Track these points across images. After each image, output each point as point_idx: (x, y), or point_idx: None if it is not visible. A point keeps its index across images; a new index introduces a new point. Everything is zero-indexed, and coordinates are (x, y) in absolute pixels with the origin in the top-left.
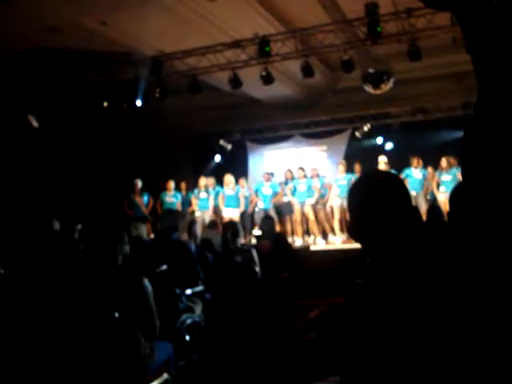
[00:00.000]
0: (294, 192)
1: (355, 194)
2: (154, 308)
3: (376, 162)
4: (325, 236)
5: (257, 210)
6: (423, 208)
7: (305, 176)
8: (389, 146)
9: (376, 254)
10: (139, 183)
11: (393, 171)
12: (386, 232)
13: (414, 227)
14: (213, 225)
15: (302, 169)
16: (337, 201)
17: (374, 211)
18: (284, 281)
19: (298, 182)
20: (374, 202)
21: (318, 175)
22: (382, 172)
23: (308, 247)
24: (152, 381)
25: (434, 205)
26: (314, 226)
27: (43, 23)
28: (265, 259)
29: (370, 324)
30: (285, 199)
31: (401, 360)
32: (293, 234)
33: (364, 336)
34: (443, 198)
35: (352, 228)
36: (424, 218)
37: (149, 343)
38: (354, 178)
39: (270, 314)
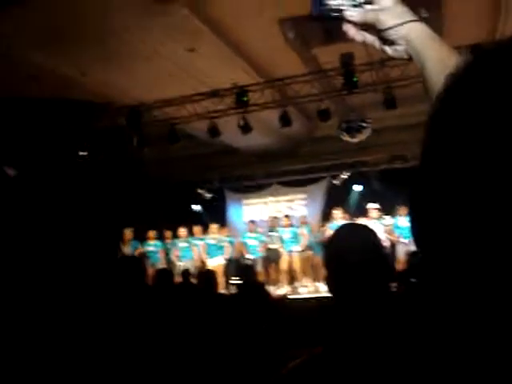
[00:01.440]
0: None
1: (332, 245)
2: None
3: (364, 210)
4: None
5: (244, 260)
6: None
7: (290, 224)
8: (359, 189)
9: (344, 310)
10: (129, 232)
11: (386, 217)
12: (355, 288)
13: (384, 281)
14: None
15: (287, 216)
16: None
17: (343, 267)
18: (263, 332)
19: (284, 230)
20: (349, 254)
21: (306, 222)
22: (356, 224)
23: (286, 296)
24: None
25: (414, 251)
26: (299, 274)
27: (24, 72)
28: (244, 310)
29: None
30: (270, 247)
31: None
32: (277, 282)
33: None
34: None
35: (329, 280)
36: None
37: None
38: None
39: (248, 365)
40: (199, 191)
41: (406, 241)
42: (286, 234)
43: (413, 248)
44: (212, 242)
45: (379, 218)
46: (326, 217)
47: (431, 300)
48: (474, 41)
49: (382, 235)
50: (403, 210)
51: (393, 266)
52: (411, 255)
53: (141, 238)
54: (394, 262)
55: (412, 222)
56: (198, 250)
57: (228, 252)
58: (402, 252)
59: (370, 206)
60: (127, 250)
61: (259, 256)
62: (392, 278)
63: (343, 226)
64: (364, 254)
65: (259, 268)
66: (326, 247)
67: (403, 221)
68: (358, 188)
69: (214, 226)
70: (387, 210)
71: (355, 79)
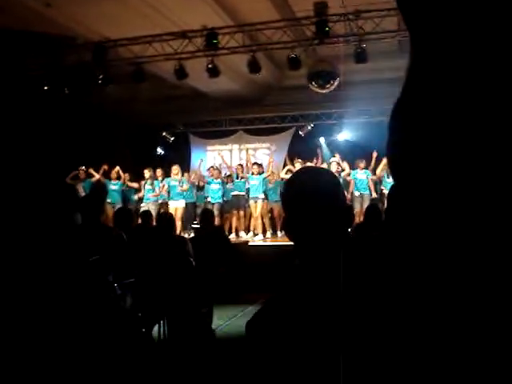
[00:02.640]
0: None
1: (290, 190)
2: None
3: (322, 161)
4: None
5: (205, 204)
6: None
7: (258, 172)
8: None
9: (303, 254)
10: (82, 170)
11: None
12: (314, 232)
13: (343, 227)
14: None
15: (256, 164)
16: None
17: (303, 210)
18: (220, 275)
19: (252, 177)
20: (304, 200)
21: (260, 173)
22: (316, 168)
23: (247, 242)
24: None
25: (372, 204)
26: (259, 222)
27: None
28: (201, 252)
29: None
30: (234, 193)
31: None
32: (239, 229)
33: (285, 342)
34: None
35: (286, 225)
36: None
37: None
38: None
39: (203, 307)
40: (163, 134)
41: (360, 194)
42: (254, 181)
43: (367, 201)
44: (173, 183)
45: (339, 172)
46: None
47: (395, 246)
48: None
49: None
50: (362, 163)
51: (352, 214)
52: (369, 208)
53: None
54: (351, 211)
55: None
56: (160, 192)
57: (190, 196)
58: (358, 204)
59: (332, 159)
60: (80, 188)
61: (220, 201)
62: (350, 225)
63: (304, 170)
64: (324, 199)
65: (219, 213)
66: (286, 191)
67: (361, 174)
68: (322, 140)
69: (175, 168)
70: (349, 163)
71: (327, 29)
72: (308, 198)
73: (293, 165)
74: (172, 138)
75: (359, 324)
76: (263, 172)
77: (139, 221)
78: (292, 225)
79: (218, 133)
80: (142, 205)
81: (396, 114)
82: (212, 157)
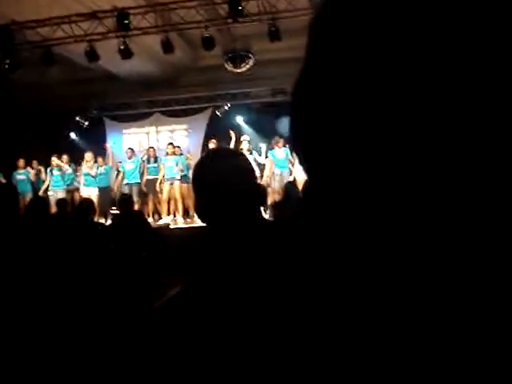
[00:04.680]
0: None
1: (199, 172)
2: None
3: (237, 142)
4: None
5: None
6: None
7: (173, 153)
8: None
9: (217, 236)
10: None
11: (254, 151)
12: (224, 214)
13: (255, 207)
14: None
15: (171, 144)
16: None
17: (212, 193)
18: (142, 259)
19: (167, 158)
20: (216, 180)
21: (181, 153)
22: (224, 149)
23: (168, 225)
24: None
25: (289, 182)
26: (178, 204)
27: None
28: (121, 238)
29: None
30: (148, 177)
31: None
32: (157, 213)
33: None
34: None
35: (198, 208)
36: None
37: None
38: None
39: (126, 293)
40: (77, 119)
41: (280, 171)
42: (169, 162)
43: (288, 179)
44: (86, 171)
45: (250, 150)
46: (206, 148)
47: (313, 225)
48: None
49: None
50: (280, 141)
51: (264, 192)
52: (286, 187)
53: (10, 167)
54: (265, 190)
55: (296, 140)
56: (72, 179)
57: (104, 181)
58: (276, 183)
59: (242, 138)
60: None
61: (136, 182)
62: (262, 205)
63: (211, 153)
64: (232, 179)
65: (136, 197)
66: (194, 174)
67: (280, 152)
68: (240, 120)
69: (89, 155)
70: (266, 141)
71: (241, 8)
72: (217, 179)
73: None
74: (86, 123)
75: (267, 309)
76: (180, 153)
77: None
78: (203, 208)
79: (134, 116)
80: (49, 193)
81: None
82: (129, 140)
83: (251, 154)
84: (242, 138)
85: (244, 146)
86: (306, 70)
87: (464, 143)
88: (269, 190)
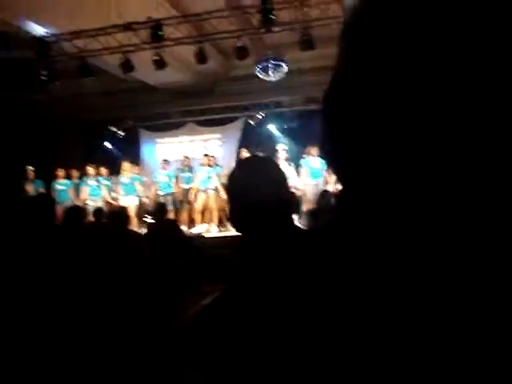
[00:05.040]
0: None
1: (233, 181)
2: None
3: (274, 150)
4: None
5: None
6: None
7: (208, 164)
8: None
9: (250, 244)
10: (31, 170)
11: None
12: (257, 222)
13: (287, 215)
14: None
15: (206, 156)
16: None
17: (245, 201)
18: (177, 269)
19: (201, 168)
20: (249, 189)
21: (216, 164)
22: (258, 157)
23: (201, 234)
24: None
25: (324, 191)
26: (212, 214)
27: None
28: (157, 248)
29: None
30: (183, 186)
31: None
32: (191, 222)
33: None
34: None
35: (232, 216)
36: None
37: None
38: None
39: (160, 303)
40: (112, 129)
41: (315, 181)
42: (203, 173)
43: (321, 188)
44: (125, 180)
45: (288, 159)
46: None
47: (347, 234)
48: None
49: (293, 176)
50: (314, 150)
51: (296, 201)
52: (320, 195)
53: (49, 177)
54: (298, 198)
55: (332, 149)
56: (110, 189)
57: (140, 191)
58: (311, 192)
59: (279, 147)
60: (30, 188)
61: (170, 193)
62: (294, 213)
63: (245, 161)
64: (265, 188)
65: (171, 206)
66: (228, 182)
67: (315, 161)
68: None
69: (126, 165)
70: (299, 149)
71: (273, 17)
72: (251, 188)
73: None
74: (121, 133)
75: (303, 313)
76: (214, 164)
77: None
78: (236, 217)
79: (167, 125)
80: (88, 203)
81: (330, 99)
82: (162, 150)
83: (289, 163)
84: (279, 147)
85: (281, 156)
86: (337, 78)
87: (466, 144)
88: (303, 199)
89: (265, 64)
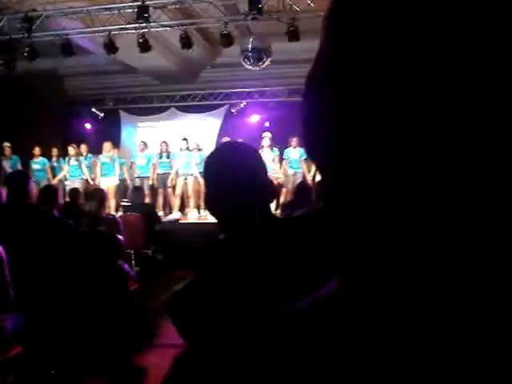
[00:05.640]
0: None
1: (211, 165)
2: (8, 277)
3: (259, 140)
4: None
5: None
6: None
7: (187, 148)
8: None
9: (228, 229)
10: (7, 146)
11: (275, 149)
12: (235, 207)
13: (265, 202)
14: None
15: (186, 140)
16: None
17: (223, 185)
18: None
19: (180, 154)
20: (224, 175)
21: (199, 149)
22: (237, 143)
23: (177, 220)
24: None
25: (301, 182)
26: (190, 199)
27: None
28: (131, 231)
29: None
30: (160, 172)
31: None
32: (166, 207)
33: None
34: None
35: (208, 201)
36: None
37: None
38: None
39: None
40: (93, 110)
41: (294, 172)
42: (183, 158)
43: (300, 179)
44: (105, 160)
45: (271, 147)
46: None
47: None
48: None
49: (272, 165)
50: (294, 141)
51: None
52: (297, 187)
53: (26, 154)
54: (276, 187)
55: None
56: (89, 169)
57: (118, 173)
58: (290, 183)
59: (264, 134)
60: (6, 165)
61: (147, 176)
62: (271, 201)
63: (224, 145)
64: (241, 174)
65: (147, 191)
66: (206, 165)
67: (294, 152)
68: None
69: (107, 144)
70: (280, 140)
71: (260, 6)
72: (228, 172)
73: None
74: (102, 114)
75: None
76: (196, 149)
77: (66, 199)
78: (213, 200)
79: (149, 109)
80: (66, 182)
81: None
82: (143, 133)
83: (272, 150)
84: (263, 135)
85: (265, 143)
86: (321, 59)
87: (464, 143)
88: (283, 189)
89: (250, 53)
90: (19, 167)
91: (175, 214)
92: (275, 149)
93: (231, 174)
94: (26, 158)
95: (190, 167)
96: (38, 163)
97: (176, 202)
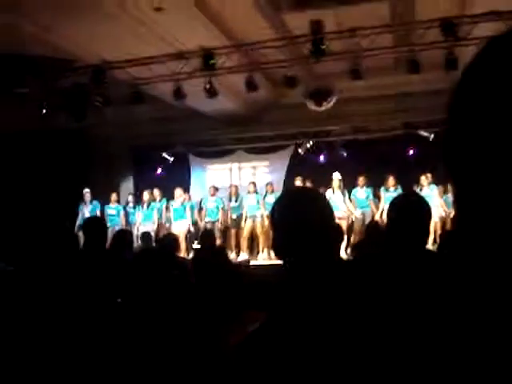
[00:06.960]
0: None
1: (280, 209)
2: None
3: (327, 179)
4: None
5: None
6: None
7: (255, 191)
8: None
9: (296, 272)
10: (87, 192)
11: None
12: (302, 252)
13: (332, 246)
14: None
15: (253, 184)
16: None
17: (291, 230)
18: (222, 295)
19: (248, 196)
20: (294, 218)
21: (272, 191)
22: (305, 189)
23: (248, 261)
24: None
25: (372, 221)
26: (259, 241)
27: None
28: (203, 273)
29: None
30: (233, 216)
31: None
32: (237, 248)
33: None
34: None
35: (276, 245)
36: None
37: None
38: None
39: (206, 328)
40: (163, 155)
41: (362, 211)
42: (251, 200)
43: (369, 219)
44: (176, 206)
45: (341, 188)
46: (289, 185)
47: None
48: (445, 14)
49: (343, 205)
50: (362, 180)
51: (341, 233)
52: (368, 226)
53: (101, 201)
54: (343, 230)
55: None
56: (160, 215)
57: (189, 217)
58: (358, 224)
59: (334, 175)
60: (87, 210)
61: (217, 219)
62: (338, 244)
63: (292, 192)
64: (310, 217)
65: (218, 233)
66: (274, 211)
67: (361, 192)
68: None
69: (178, 191)
70: (348, 180)
71: (323, 47)
72: (295, 218)
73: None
74: (171, 158)
75: (357, 342)
76: (257, 191)
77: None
78: (279, 244)
79: (217, 152)
80: (139, 227)
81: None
82: (212, 176)
83: (342, 193)
84: (333, 176)
85: (335, 184)
86: (452, 128)
87: None
88: (352, 230)
89: (314, 93)
90: (98, 213)
91: (244, 256)
92: (345, 191)
93: (299, 219)
94: (102, 204)
95: (259, 208)
96: (113, 208)
97: (245, 244)
